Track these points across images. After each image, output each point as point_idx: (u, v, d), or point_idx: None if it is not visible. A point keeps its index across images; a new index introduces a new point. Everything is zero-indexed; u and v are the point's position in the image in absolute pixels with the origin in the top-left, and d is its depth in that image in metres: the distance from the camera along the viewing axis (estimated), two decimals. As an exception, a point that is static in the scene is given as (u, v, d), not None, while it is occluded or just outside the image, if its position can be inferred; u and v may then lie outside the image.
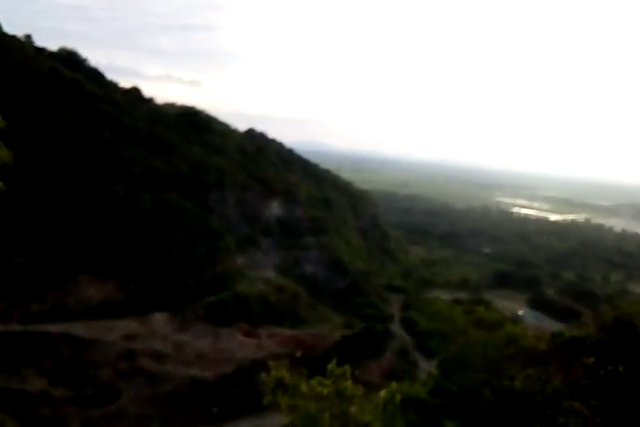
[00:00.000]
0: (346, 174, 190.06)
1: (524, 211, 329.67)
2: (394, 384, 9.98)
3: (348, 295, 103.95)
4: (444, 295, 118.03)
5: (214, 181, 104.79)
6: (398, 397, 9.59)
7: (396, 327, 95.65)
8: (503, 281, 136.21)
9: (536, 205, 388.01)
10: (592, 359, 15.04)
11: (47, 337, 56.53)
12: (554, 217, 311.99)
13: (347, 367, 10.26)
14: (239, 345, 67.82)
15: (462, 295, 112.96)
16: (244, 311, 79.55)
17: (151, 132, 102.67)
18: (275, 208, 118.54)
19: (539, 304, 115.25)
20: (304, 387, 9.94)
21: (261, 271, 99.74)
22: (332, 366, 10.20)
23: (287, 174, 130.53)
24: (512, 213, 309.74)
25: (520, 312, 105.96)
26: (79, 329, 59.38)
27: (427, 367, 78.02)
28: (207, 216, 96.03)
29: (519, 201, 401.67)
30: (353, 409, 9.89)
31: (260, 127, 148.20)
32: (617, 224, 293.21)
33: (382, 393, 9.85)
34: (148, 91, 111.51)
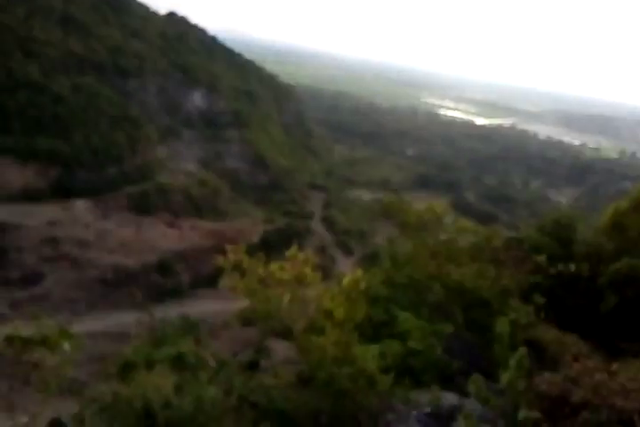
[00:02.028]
0: (268, 66, 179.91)
1: (450, 113, 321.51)
2: (359, 272, 9.68)
3: (270, 191, 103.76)
4: (365, 195, 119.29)
5: (134, 67, 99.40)
6: (363, 284, 9.35)
7: (316, 225, 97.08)
8: (425, 183, 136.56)
9: (462, 107, 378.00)
10: (544, 257, 15.26)
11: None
12: (480, 121, 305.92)
13: (308, 254, 9.89)
14: (161, 235, 67.40)
15: (383, 196, 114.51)
16: (165, 203, 78.53)
17: (66, 12, 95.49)
18: (197, 99, 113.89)
19: (459, 207, 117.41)
20: (262, 271, 9.57)
21: (183, 163, 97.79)
22: (293, 251, 9.80)
23: (210, 63, 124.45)
24: (438, 114, 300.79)
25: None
26: (0, 213, 57.71)
27: (345, 264, 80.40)
28: (127, 104, 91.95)
29: (446, 103, 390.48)
30: (311, 295, 9.63)
31: (180, 10, 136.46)
32: (542, 131, 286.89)
33: (345, 281, 9.54)
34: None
